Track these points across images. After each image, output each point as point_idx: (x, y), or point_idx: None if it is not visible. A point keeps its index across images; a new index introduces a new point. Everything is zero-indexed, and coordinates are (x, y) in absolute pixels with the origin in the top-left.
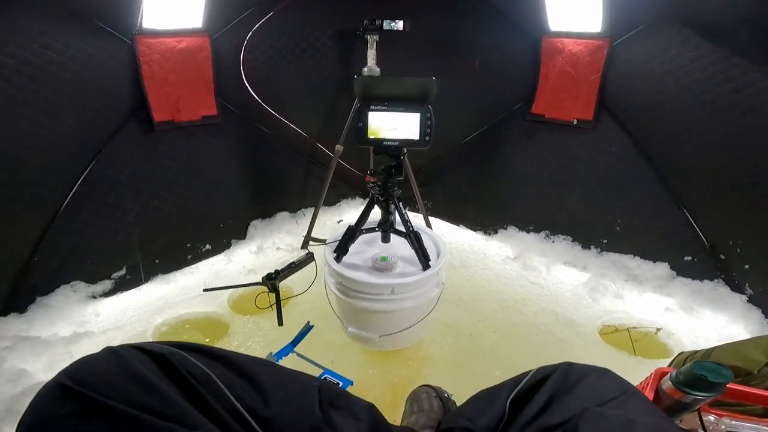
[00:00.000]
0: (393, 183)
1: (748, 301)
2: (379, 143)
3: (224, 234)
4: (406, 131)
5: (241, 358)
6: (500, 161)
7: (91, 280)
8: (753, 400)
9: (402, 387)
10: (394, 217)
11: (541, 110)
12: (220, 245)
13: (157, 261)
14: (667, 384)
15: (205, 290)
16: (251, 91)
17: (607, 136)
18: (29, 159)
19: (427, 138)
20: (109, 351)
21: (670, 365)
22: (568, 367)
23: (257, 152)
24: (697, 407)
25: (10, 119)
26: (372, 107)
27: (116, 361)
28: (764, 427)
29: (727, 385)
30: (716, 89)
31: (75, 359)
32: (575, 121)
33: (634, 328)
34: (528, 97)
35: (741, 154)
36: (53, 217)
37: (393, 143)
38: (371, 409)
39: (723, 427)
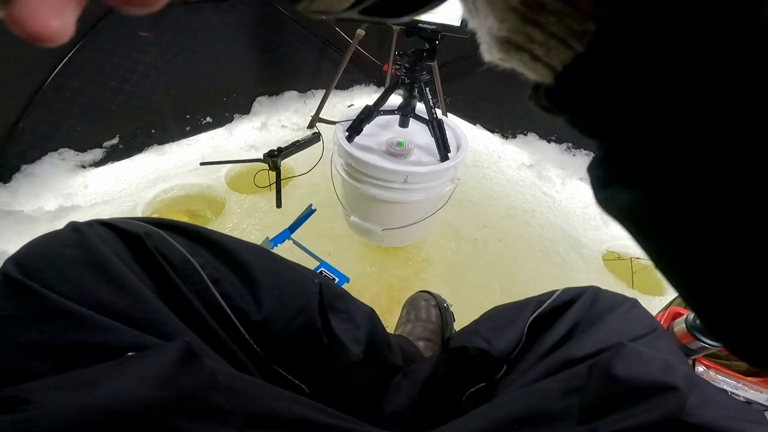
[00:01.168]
0: (422, 67)
1: None
2: (414, 24)
3: (227, 107)
4: (446, 15)
5: (232, 243)
6: None
7: (81, 148)
8: None
9: (399, 290)
10: (416, 102)
11: None
12: (222, 118)
13: (153, 131)
14: (680, 326)
15: (202, 164)
16: None
17: None
18: None
19: (468, 26)
20: (71, 228)
21: (671, 303)
22: (595, 293)
23: (270, 32)
24: (699, 355)
25: None
26: None
27: (77, 243)
28: (742, 387)
29: None
30: None
31: None
32: None
33: (637, 258)
34: None
35: None
36: (43, 82)
37: (429, 26)
38: (371, 315)
39: (709, 380)
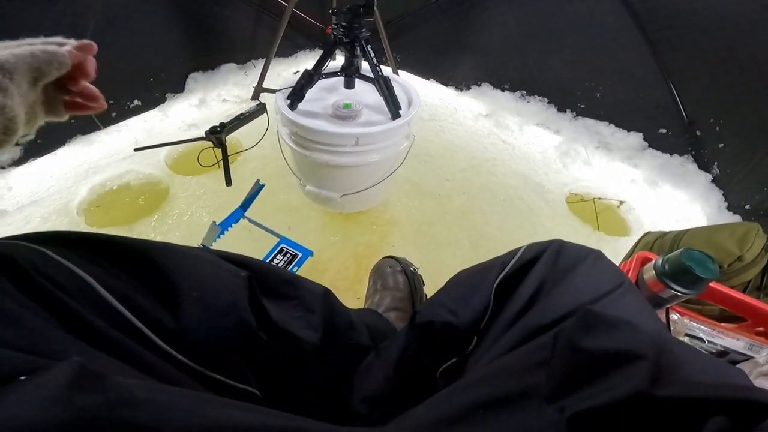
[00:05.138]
0: (360, 24)
1: (712, 180)
2: None
3: (156, 87)
4: None
5: (138, 245)
6: (480, 18)
7: None
8: (721, 301)
9: (367, 257)
10: (360, 62)
11: None
12: (152, 100)
13: (72, 121)
14: (649, 273)
15: (136, 149)
16: None
17: (602, 3)
18: None
19: None
20: None
21: (635, 247)
22: (558, 248)
23: (195, 3)
24: (672, 304)
25: None
26: None
27: None
28: (718, 335)
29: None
30: None
31: None
32: None
33: (599, 198)
34: None
35: (740, 38)
36: None
37: None
38: (326, 295)
39: (683, 328)
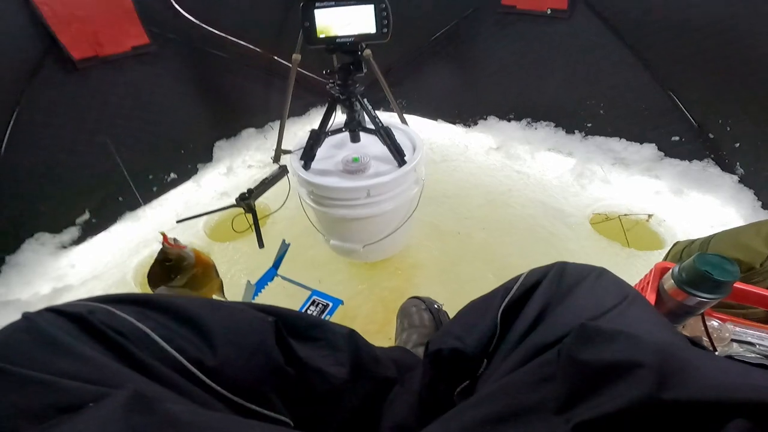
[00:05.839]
0: (354, 80)
1: (739, 181)
2: (331, 41)
3: (188, 159)
4: (360, 25)
5: (181, 302)
6: (474, 54)
7: (55, 229)
8: (756, 302)
9: (393, 300)
10: (361, 116)
11: (513, 1)
12: (186, 171)
13: (120, 198)
14: (669, 283)
15: (178, 222)
16: (185, 13)
17: (583, 24)
18: None
19: (386, 30)
20: (23, 318)
21: (665, 258)
22: (561, 269)
23: (208, 74)
24: (702, 311)
25: None
26: (317, 4)
27: (28, 328)
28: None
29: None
30: None
31: None
32: (549, 11)
33: (625, 215)
34: None
35: (730, 34)
36: None
37: (347, 39)
38: (351, 335)
39: (727, 334)
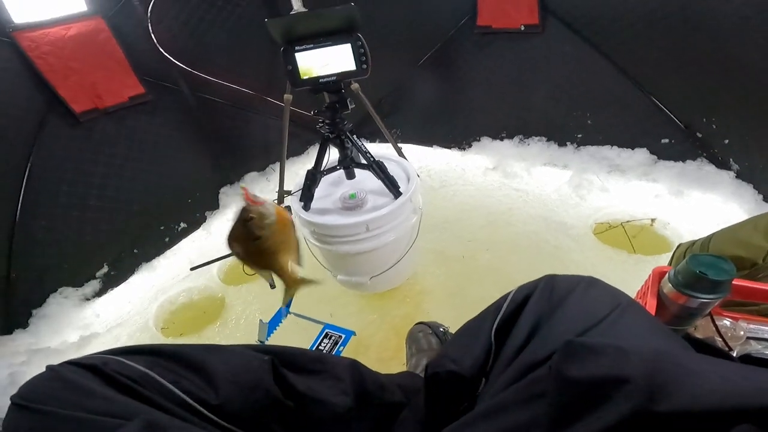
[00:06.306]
0: (342, 118)
1: (736, 177)
2: (314, 82)
3: (196, 208)
4: (340, 64)
5: (185, 349)
6: (459, 77)
7: (77, 283)
8: (763, 298)
9: (404, 327)
10: (354, 152)
11: (487, 21)
12: (195, 220)
13: (135, 251)
14: (667, 287)
15: (192, 269)
16: (175, 62)
17: (557, 37)
18: None
19: (365, 66)
20: (48, 369)
21: (670, 261)
22: (550, 282)
23: (205, 120)
24: (707, 311)
25: None
26: (297, 48)
27: (54, 377)
28: None
29: (734, 282)
30: None
31: None
32: (523, 27)
33: (628, 222)
34: (471, 11)
35: (700, 34)
36: (11, 232)
37: (330, 78)
38: (353, 365)
39: (741, 332)
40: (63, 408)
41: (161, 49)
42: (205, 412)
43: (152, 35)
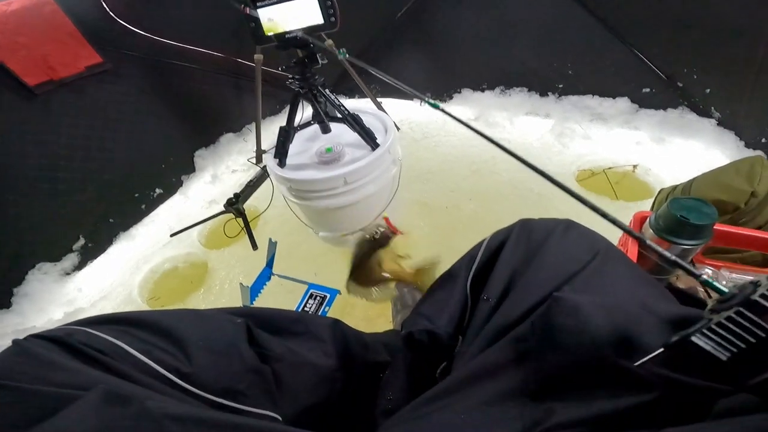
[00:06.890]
0: (312, 73)
1: (718, 124)
2: (281, 38)
3: (171, 173)
4: (306, 18)
5: (155, 316)
6: (438, 29)
7: (54, 257)
8: (746, 244)
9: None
10: (327, 107)
11: None
12: (171, 185)
13: (111, 220)
14: (648, 233)
15: (172, 235)
16: (132, 28)
17: None
18: None
19: (333, 19)
20: (14, 343)
21: (652, 207)
22: (526, 227)
23: (175, 86)
24: (690, 258)
25: None
26: (259, 3)
27: (18, 351)
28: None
29: (716, 227)
30: None
31: None
32: None
33: (610, 168)
34: None
35: None
36: None
37: (296, 33)
38: (335, 325)
39: (724, 282)
40: (27, 382)
41: (115, 17)
42: (178, 380)
43: (104, 4)
